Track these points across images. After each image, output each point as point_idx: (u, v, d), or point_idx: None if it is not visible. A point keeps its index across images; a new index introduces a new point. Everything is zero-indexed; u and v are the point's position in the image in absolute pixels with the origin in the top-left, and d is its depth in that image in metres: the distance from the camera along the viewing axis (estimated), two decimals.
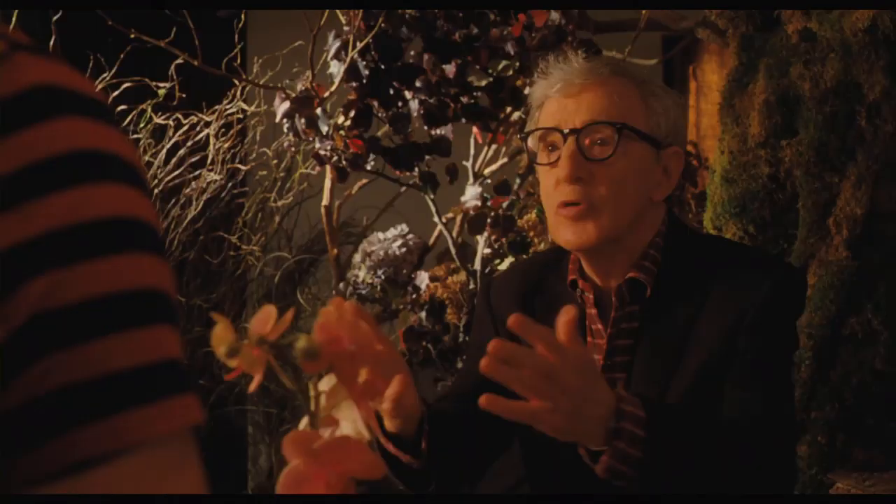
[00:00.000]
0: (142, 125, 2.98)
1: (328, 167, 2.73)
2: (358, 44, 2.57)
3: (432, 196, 2.75)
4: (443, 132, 2.70)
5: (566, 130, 1.56)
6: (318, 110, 2.65)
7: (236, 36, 2.84)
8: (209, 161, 3.10)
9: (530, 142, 1.66)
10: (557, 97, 1.58)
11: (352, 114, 2.64)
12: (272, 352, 0.72)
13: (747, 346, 1.53)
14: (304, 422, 0.74)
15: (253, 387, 0.74)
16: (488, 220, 2.71)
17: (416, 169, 2.71)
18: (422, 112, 2.64)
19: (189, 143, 3.05)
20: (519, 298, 1.71)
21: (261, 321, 0.74)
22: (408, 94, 2.65)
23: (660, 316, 1.58)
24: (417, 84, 2.62)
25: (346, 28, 2.64)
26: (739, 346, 1.53)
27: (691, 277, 1.59)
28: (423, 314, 2.79)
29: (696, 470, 1.40)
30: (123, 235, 0.58)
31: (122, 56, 2.77)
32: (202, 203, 3.12)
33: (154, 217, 0.61)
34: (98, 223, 0.57)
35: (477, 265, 2.80)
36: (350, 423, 0.75)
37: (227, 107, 3.07)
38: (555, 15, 2.56)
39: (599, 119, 1.55)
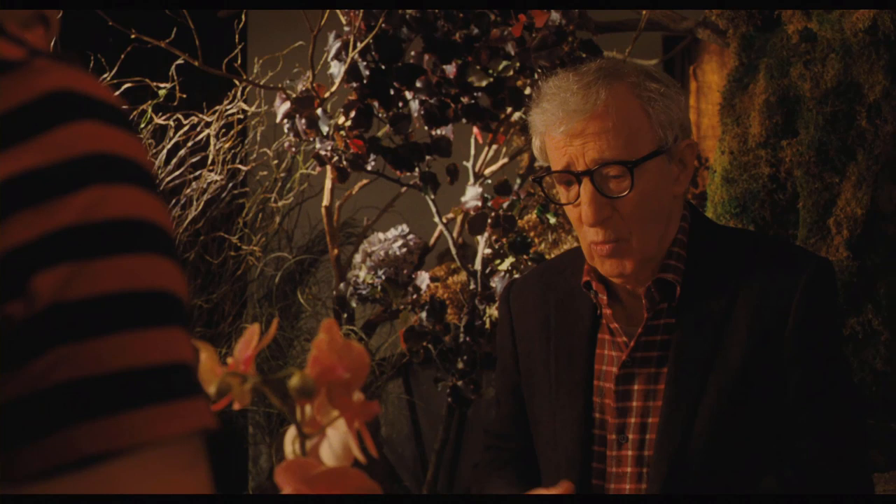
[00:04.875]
0: (142, 125, 2.98)
1: (328, 167, 2.73)
2: (358, 44, 2.57)
3: (433, 196, 2.75)
4: (443, 132, 2.70)
5: (579, 171, 1.58)
6: (319, 111, 2.65)
7: (237, 36, 2.84)
8: (210, 161, 3.10)
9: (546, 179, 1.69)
10: (562, 136, 1.59)
11: (352, 114, 2.64)
12: (262, 385, 0.71)
13: (802, 359, 1.57)
14: (291, 431, 0.73)
15: (236, 407, 0.73)
16: (489, 221, 2.71)
17: (417, 169, 2.71)
18: (422, 112, 2.64)
19: (189, 144, 3.04)
20: (535, 300, 1.74)
21: (245, 343, 0.73)
22: (408, 95, 2.65)
23: (692, 314, 1.60)
24: (418, 84, 2.62)
25: (346, 28, 2.64)
26: (789, 354, 1.56)
27: (720, 273, 1.61)
28: (424, 314, 2.79)
29: None
30: (139, 236, 0.58)
31: (122, 56, 2.76)
32: (203, 203, 3.12)
33: (169, 222, 0.61)
34: (115, 223, 0.57)
35: (477, 265, 2.80)
36: (340, 434, 0.74)
37: (228, 107, 3.07)
38: (555, 15, 2.56)
39: (609, 159, 1.56)
